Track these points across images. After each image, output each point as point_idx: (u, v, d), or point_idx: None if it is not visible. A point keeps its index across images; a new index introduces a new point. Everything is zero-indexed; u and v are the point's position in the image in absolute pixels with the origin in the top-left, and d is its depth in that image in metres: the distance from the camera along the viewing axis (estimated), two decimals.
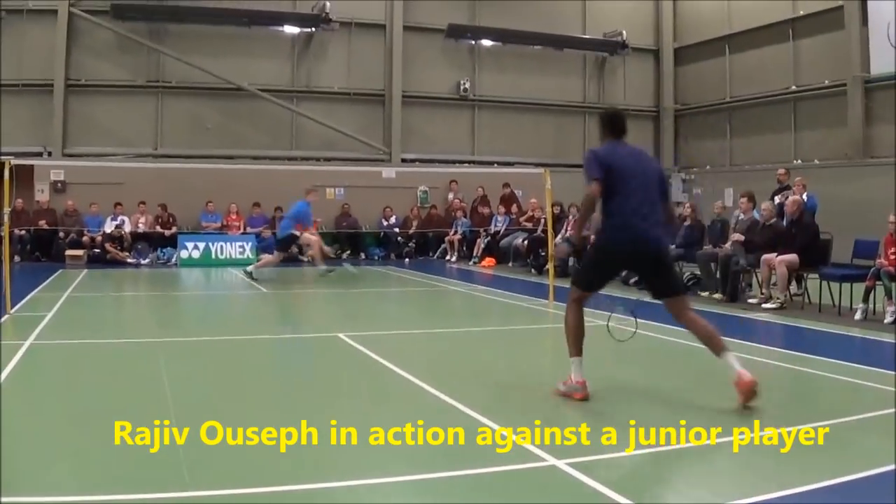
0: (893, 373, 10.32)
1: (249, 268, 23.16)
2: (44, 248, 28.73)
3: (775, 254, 17.13)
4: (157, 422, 7.85)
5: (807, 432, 7.72)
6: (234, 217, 30.56)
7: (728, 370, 8.90)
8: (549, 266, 19.33)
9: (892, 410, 8.38)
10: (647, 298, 18.38)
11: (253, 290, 21.19)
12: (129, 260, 28.12)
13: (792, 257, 16.86)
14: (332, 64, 35.05)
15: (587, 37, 38.21)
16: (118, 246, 28.31)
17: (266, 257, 24.42)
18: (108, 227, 28.77)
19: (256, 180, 31.50)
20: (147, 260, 28.57)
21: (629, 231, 9.25)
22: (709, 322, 9.57)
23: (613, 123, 9.74)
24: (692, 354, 12.29)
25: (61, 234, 28.75)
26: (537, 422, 8.13)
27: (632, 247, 9.34)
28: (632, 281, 21.28)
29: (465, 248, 31.37)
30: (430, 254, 32.37)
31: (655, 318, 14.99)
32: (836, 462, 6.86)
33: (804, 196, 19.37)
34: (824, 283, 17.18)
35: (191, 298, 21.13)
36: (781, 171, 21.54)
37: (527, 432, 7.54)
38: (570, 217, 25.45)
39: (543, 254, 23.88)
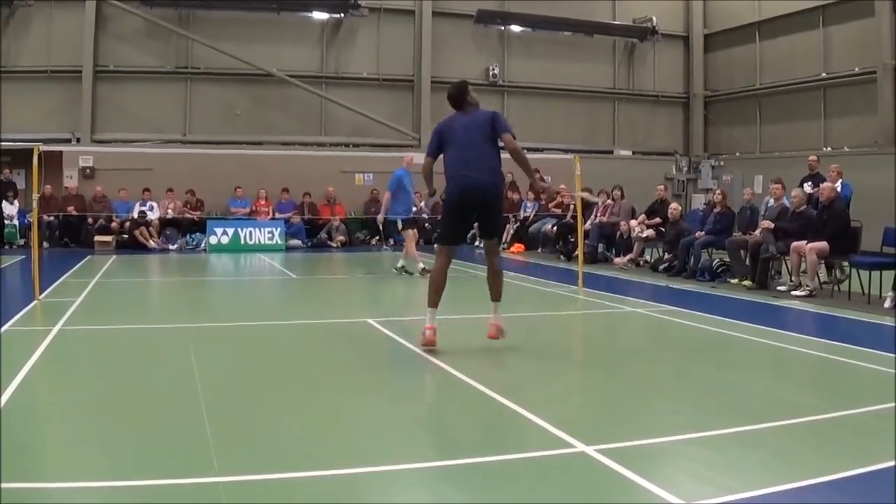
0: None
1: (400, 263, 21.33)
2: (72, 233, 28.89)
3: (805, 241, 17.04)
4: (185, 407, 7.87)
5: (835, 420, 7.69)
6: (262, 203, 30.65)
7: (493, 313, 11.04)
8: (579, 252, 19.28)
9: None
10: (675, 285, 18.38)
11: (281, 275, 21.20)
12: (152, 245, 28.19)
13: (822, 245, 16.76)
14: (361, 50, 35.06)
15: (617, 23, 38.12)
16: (147, 232, 28.36)
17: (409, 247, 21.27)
18: (136, 213, 28.83)
19: (285, 166, 31.56)
20: (176, 245, 28.67)
21: (455, 182, 10.94)
22: (501, 276, 11.69)
23: (449, 99, 11.53)
24: (724, 341, 12.26)
25: (90, 220, 28.87)
26: (567, 408, 8.12)
27: (461, 195, 10.91)
28: (661, 267, 21.26)
29: None
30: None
31: (689, 305, 15.00)
32: (865, 450, 6.79)
33: (839, 183, 19.28)
34: (854, 270, 17.11)
35: (219, 284, 21.15)
36: (813, 157, 21.37)
37: (556, 418, 7.51)
38: (600, 203, 25.38)
39: (573, 240, 23.83)
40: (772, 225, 18.24)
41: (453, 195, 10.97)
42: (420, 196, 31.71)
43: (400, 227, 21.11)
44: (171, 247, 28.67)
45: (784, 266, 18.70)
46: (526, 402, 8.08)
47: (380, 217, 21.21)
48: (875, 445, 6.94)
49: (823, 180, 19.18)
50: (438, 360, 10.05)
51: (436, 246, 11.65)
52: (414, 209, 32.22)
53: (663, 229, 22.39)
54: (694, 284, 19.04)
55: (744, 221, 19.96)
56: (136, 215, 28.80)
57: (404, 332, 12.04)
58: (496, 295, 11.29)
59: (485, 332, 11.14)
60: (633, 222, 23.85)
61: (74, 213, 28.82)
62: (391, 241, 23.23)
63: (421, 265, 20.08)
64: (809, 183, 20.15)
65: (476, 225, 12.42)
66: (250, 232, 28.81)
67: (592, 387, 9.05)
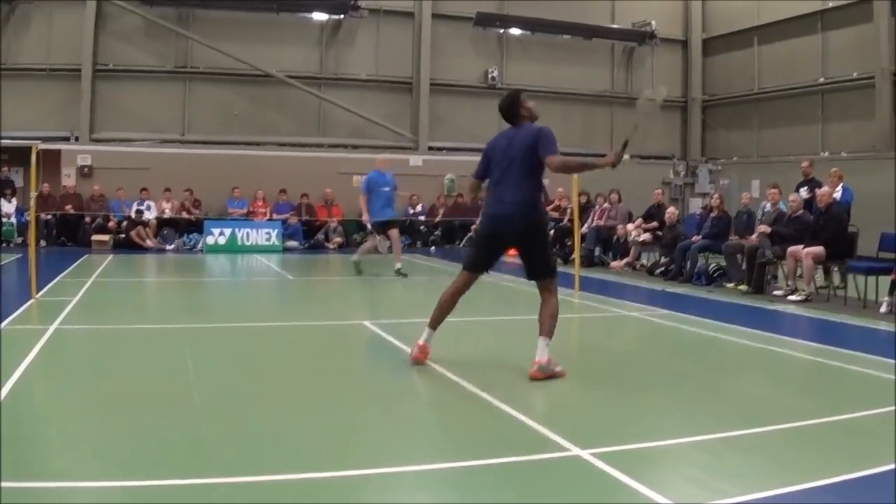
0: None
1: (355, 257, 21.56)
2: (70, 232, 28.94)
3: (802, 246, 17.08)
4: (180, 408, 7.88)
5: (830, 425, 7.71)
6: (260, 203, 30.66)
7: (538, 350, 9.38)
8: (575, 256, 19.30)
9: None
10: (671, 289, 18.40)
11: (278, 277, 21.23)
12: (148, 244, 28.22)
13: (818, 249, 16.79)
14: (360, 51, 35.07)
15: (616, 26, 38.17)
16: (143, 232, 28.38)
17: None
18: (133, 212, 28.85)
19: (283, 167, 31.59)
20: (173, 245, 28.70)
21: (485, 210, 10.11)
22: (556, 314, 9.69)
23: (500, 110, 10.37)
24: (720, 345, 12.30)
25: (87, 219, 28.92)
26: (562, 411, 8.14)
27: (490, 226, 9.98)
28: (657, 271, 21.31)
29: None
30: (456, 242, 32.36)
31: (685, 309, 15.04)
32: (861, 455, 6.81)
33: (840, 187, 19.32)
34: (850, 275, 17.14)
35: (215, 285, 21.16)
36: (805, 163, 21.32)
37: (552, 421, 7.53)
38: (597, 206, 25.42)
39: (570, 243, 23.85)
40: (768, 229, 18.29)
41: (483, 224, 10.16)
42: (416, 198, 31.81)
43: (370, 228, 21.67)
44: (167, 247, 28.71)
45: (780, 270, 18.73)
46: (521, 405, 8.09)
47: (364, 218, 21.31)
48: (871, 449, 6.96)
49: (819, 185, 19.18)
50: (434, 363, 10.05)
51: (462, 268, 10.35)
52: (411, 211, 32.38)
53: (660, 233, 22.45)
54: (690, 288, 19.08)
55: (741, 226, 20.01)
56: (132, 214, 28.80)
57: (400, 335, 12.03)
58: (545, 330, 9.53)
59: (481, 335, 11.15)
60: (629, 226, 23.92)
61: (72, 211, 28.89)
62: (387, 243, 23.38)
63: (399, 265, 20.69)
64: (805, 188, 20.15)
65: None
66: (247, 232, 28.81)
67: (588, 390, 9.06)
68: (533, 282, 9.84)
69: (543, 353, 9.31)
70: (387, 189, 20.87)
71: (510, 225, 9.65)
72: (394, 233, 21.28)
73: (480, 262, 10.17)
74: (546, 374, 9.21)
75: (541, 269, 9.81)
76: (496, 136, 10.32)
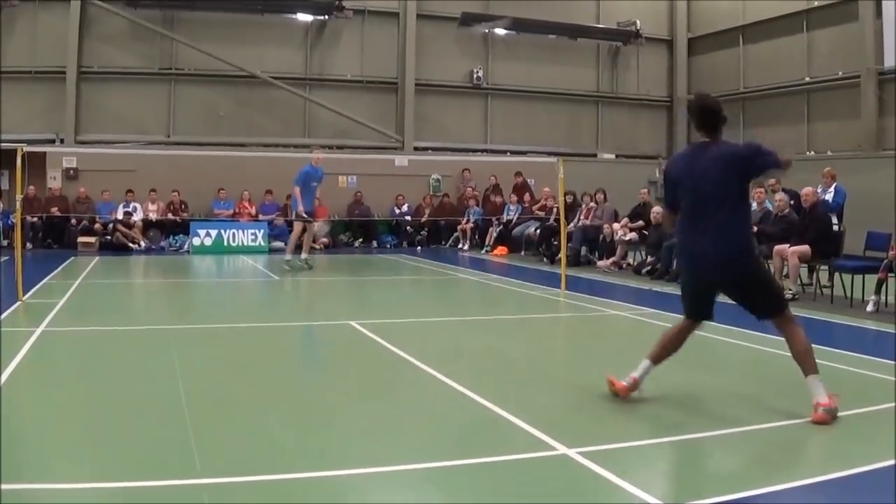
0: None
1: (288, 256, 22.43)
2: (56, 234, 28.82)
3: (788, 245, 17.10)
4: (168, 409, 7.88)
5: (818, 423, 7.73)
6: (246, 204, 30.59)
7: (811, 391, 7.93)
8: (562, 255, 19.30)
9: None
10: (658, 288, 18.43)
11: (264, 277, 21.21)
12: (131, 245, 28.20)
13: (804, 248, 16.81)
14: (345, 52, 35.06)
15: (601, 26, 38.21)
16: (129, 234, 28.37)
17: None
18: (121, 215, 28.83)
19: (269, 168, 31.50)
20: (159, 246, 28.67)
21: (682, 253, 8.59)
22: (806, 347, 8.15)
23: (703, 117, 8.38)
24: (705, 344, 12.31)
25: (73, 221, 28.83)
26: (549, 410, 8.14)
27: (689, 270, 8.50)
28: (644, 270, 21.33)
29: (477, 237, 31.37)
30: (443, 242, 32.36)
31: (672, 308, 15.03)
32: (846, 454, 6.84)
33: (833, 187, 19.33)
34: (836, 274, 17.17)
35: (202, 286, 21.14)
36: (772, 180, 20.84)
37: (538, 420, 7.54)
38: (584, 206, 25.44)
39: (556, 243, 23.86)
40: (755, 228, 18.29)
41: (682, 265, 8.83)
42: (402, 198, 31.82)
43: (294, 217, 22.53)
44: (162, 243, 28.75)
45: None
46: (508, 404, 8.09)
47: (300, 209, 22.01)
48: (858, 448, 7.00)
49: (794, 194, 19.03)
50: (421, 363, 10.05)
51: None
52: (397, 211, 32.38)
53: (646, 232, 22.45)
54: (677, 287, 18.92)
55: None
56: (120, 216, 28.76)
57: (387, 335, 12.03)
58: (808, 368, 8.05)
59: (473, 333, 11.15)
60: (616, 225, 23.91)
61: (58, 214, 28.77)
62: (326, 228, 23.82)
63: (288, 257, 21.38)
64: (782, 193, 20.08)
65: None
66: (233, 233, 28.76)
67: (574, 389, 9.07)
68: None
69: (820, 391, 7.79)
70: (315, 184, 21.99)
71: (719, 267, 8.09)
72: (311, 226, 22.45)
73: (695, 306, 8.58)
74: (834, 417, 7.67)
75: (764, 305, 8.32)
76: (686, 150, 8.90)
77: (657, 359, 8.52)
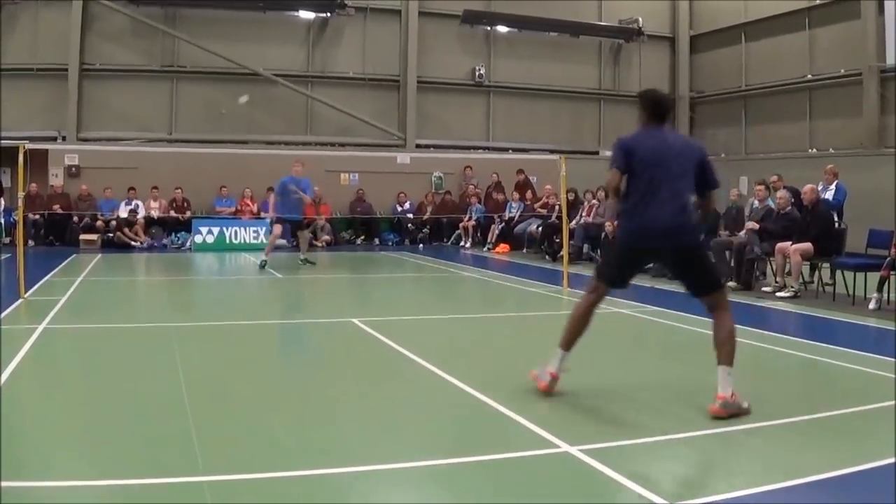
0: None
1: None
2: (58, 232, 28.82)
3: (790, 242, 17.09)
4: (170, 406, 7.88)
5: (820, 421, 7.72)
6: (248, 202, 30.58)
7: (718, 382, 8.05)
8: (564, 252, 19.28)
9: None
10: (660, 286, 18.40)
11: (267, 275, 21.20)
12: (133, 243, 28.24)
13: (806, 246, 16.80)
14: (347, 49, 35.00)
15: (603, 24, 38.08)
16: (133, 230, 28.39)
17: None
18: (123, 212, 28.85)
19: (271, 165, 31.38)
20: (161, 243, 28.67)
21: (637, 223, 8.51)
22: (732, 334, 8.48)
23: (654, 107, 8.91)
24: (708, 342, 12.28)
25: (75, 219, 28.84)
26: (551, 408, 8.14)
27: (637, 237, 8.57)
28: (645, 268, 21.30)
29: (479, 235, 31.34)
30: (445, 240, 32.34)
31: (673, 306, 15.04)
32: (849, 451, 6.83)
33: (834, 185, 19.30)
34: (838, 271, 17.16)
35: (204, 283, 21.16)
36: (774, 177, 20.76)
37: (541, 418, 7.53)
38: (586, 203, 25.43)
39: (558, 240, 23.85)
40: (757, 226, 18.27)
41: (630, 233, 8.70)
42: (404, 196, 31.82)
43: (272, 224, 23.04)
44: (164, 240, 28.75)
45: (769, 267, 18.74)
46: (510, 402, 8.10)
47: (269, 215, 22.83)
48: (859, 446, 6.99)
49: (796, 192, 19.00)
50: (423, 360, 10.06)
51: (593, 277, 9.11)
52: (399, 209, 32.37)
53: None
54: (678, 285, 18.98)
55: (729, 222, 19.98)
56: (125, 214, 28.78)
57: (389, 333, 12.02)
58: (724, 356, 8.33)
59: (475, 331, 11.14)
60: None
61: (60, 211, 28.75)
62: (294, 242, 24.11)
63: (265, 257, 21.50)
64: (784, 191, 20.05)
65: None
66: (235, 231, 28.79)
67: (577, 387, 9.05)
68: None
69: (726, 385, 8.00)
70: (297, 195, 21.98)
71: (664, 237, 8.43)
72: (302, 234, 23.12)
73: (623, 277, 8.93)
74: (730, 412, 7.85)
75: (707, 282, 8.77)
76: (640, 133, 8.88)
77: (569, 345, 8.70)
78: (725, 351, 8.27)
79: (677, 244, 8.50)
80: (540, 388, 8.52)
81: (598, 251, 24.51)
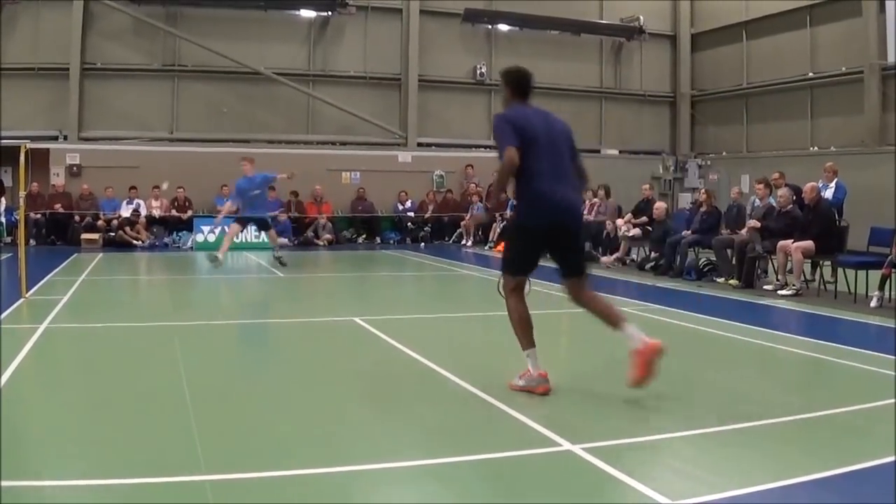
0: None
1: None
2: (59, 231, 28.90)
3: (791, 240, 17.08)
4: (172, 405, 7.88)
5: (822, 419, 7.72)
6: None
7: (629, 341, 8.39)
8: None
9: None
10: (662, 284, 18.39)
11: (269, 273, 21.20)
12: (135, 242, 28.25)
13: (808, 244, 16.80)
14: (348, 48, 35.03)
15: (604, 22, 38.12)
16: (134, 230, 28.42)
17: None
18: (125, 212, 28.87)
19: (272, 164, 31.22)
20: (162, 242, 28.68)
21: (542, 203, 8.57)
22: (600, 300, 9.21)
23: (521, 83, 9.26)
24: (710, 340, 12.30)
25: (76, 218, 28.87)
26: (553, 406, 8.13)
27: (550, 217, 8.59)
28: (647, 266, 21.31)
29: (480, 233, 31.35)
30: (446, 238, 32.41)
31: (675, 304, 15.04)
32: (851, 449, 6.83)
33: (833, 183, 19.27)
34: (840, 269, 17.16)
35: (206, 282, 21.13)
36: (776, 175, 20.70)
37: (542, 416, 7.53)
38: (587, 201, 25.42)
39: None
40: (758, 224, 18.26)
41: (540, 213, 8.63)
42: (405, 195, 31.80)
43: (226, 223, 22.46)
44: (156, 243, 28.71)
45: (770, 265, 18.74)
46: (512, 400, 8.10)
47: (217, 220, 22.79)
48: (861, 444, 6.99)
49: (797, 189, 18.98)
50: (425, 358, 10.06)
51: (504, 277, 9.17)
52: (400, 207, 32.39)
53: (650, 228, 22.42)
54: (680, 283, 19.07)
55: (730, 220, 19.97)
56: (128, 214, 28.81)
57: (391, 331, 12.02)
58: (617, 317, 8.78)
59: (476, 329, 11.12)
60: (619, 221, 23.92)
61: (61, 210, 28.82)
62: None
63: (219, 255, 20.48)
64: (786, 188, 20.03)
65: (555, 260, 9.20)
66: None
67: (578, 385, 9.05)
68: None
69: (640, 334, 8.40)
70: (257, 192, 21.44)
71: (571, 215, 8.75)
72: (270, 233, 22.43)
73: (533, 261, 9.10)
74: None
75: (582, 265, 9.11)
76: (519, 109, 9.10)
77: (530, 341, 8.83)
78: (615, 312, 8.84)
79: (578, 223, 8.97)
80: (542, 392, 8.47)
81: (600, 249, 24.53)
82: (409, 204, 32.89)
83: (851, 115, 30.84)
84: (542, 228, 8.66)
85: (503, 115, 8.89)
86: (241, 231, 22.71)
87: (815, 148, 31.96)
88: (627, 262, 23.17)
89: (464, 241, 31.16)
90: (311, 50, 34.65)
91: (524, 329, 8.85)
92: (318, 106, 34.36)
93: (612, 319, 8.70)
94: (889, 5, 28.90)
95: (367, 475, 6.19)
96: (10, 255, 22.46)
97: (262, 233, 24.35)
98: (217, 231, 28.12)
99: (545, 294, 17.83)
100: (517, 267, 9.06)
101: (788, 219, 17.89)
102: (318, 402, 8.39)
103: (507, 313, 8.99)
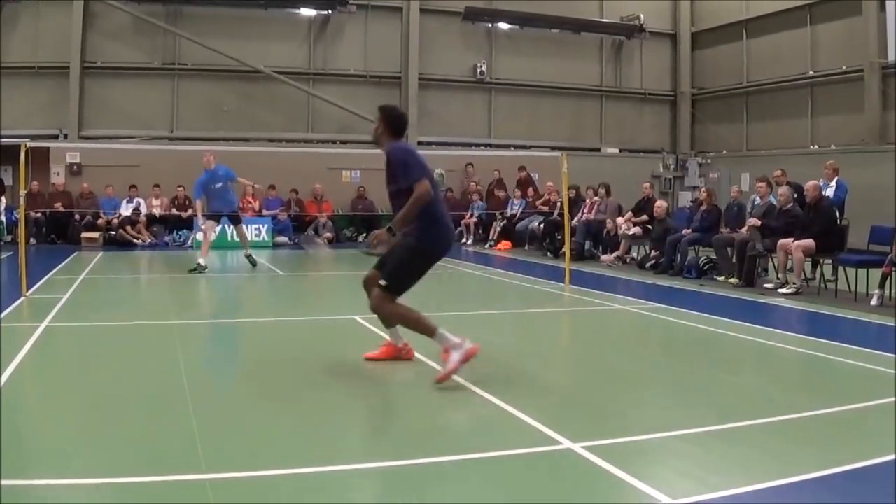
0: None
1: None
2: (59, 230, 28.87)
3: (792, 239, 17.08)
4: (172, 404, 7.88)
5: (822, 417, 7.72)
6: (249, 199, 30.54)
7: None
8: (566, 249, 19.29)
9: None
10: (662, 283, 18.39)
11: (268, 272, 21.21)
12: (135, 241, 28.28)
13: (808, 242, 16.79)
14: (348, 46, 35.02)
15: (605, 20, 38.09)
16: (135, 229, 28.43)
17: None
18: (126, 211, 28.87)
19: (273, 163, 31.49)
20: (163, 241, 28.68)
21: (446, 230, 9.55)
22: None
23: (401, 124, 9.84)
24: (710, 338, 12.30)
25: (77, 217, 28.86)
26: (553, 404, 8.13)
27: (449, 243, 9.67)
28: (648, 265, 21.30)
29: (481, 232, 31.34)
30: None
31: (676, 302, 15.03)
32: (852, 447, 6.83)
33: (835, 181, 19.25)
34: (840, 268, 17.16)
35: (205, 281, 21.12)
36: (777, 172, 20.65)
37: (543, 415, 7.53)
38: (587, 200, 25.42)
39: (560, 237, 23.86)
40: (759, 223, 18.26)
41: (444, 242, 9.56)
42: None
43: (201, 225, 22.28)
44: (157, 242, 28.72)
45: (771, 264, 18.74)
46: (512, 399, 8.09)
47: (200, 220, 22.13)
48: (862, 442, 6.99)
49: (798, 188, 18.97)
50: (425, 357, 10.04)
51: (384, 295, 9.53)
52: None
53: (650, 227, 22.41)
54: (680, 282, 19.06)
55: (731, 219, 19.96)
56: (129, 213, 28.81)
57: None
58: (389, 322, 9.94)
59: (476, 328, 11.13)
60: (619, 220, 23.89)
61: (61, 209, 28.79)
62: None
63: (201, 261, 20.72)
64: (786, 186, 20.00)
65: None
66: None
67: (579, 384, 9.06)
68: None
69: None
70: (219, 185, 21.40)
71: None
72: (239, 228, 22.87)
73: (414, 283, 9.62)
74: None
75: None
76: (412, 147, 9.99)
77: (433, 329, 9.17)
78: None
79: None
80: (474, 352, 8.98)
81: (600, 248, 24.53)
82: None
83: (852, 113, 30.84)
84: (443, 253, 9.55)
85: (406, 148, 9.65)
86: (217, 227, 22.46)
87: (816, 146, 31.94)
88: (628, 260, 23.16)
89: (464, 240, 31.12)
90: (312, 48, 34.63)
91: (420, 323, 9.29)
92: (318, 104, 34.35)
93: (389, 323, 9.83)
94: (889, 4, 28.91)
95: (368, 474, 6.21)
96: (10, 253, 22.47)
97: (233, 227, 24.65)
98: (213, 233, 28.18)
99: (545, 294, 17.89)
100: (405, 289, 9.46)
101: (789, 217, 17.89)
102: (318, 400, 8.38)
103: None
